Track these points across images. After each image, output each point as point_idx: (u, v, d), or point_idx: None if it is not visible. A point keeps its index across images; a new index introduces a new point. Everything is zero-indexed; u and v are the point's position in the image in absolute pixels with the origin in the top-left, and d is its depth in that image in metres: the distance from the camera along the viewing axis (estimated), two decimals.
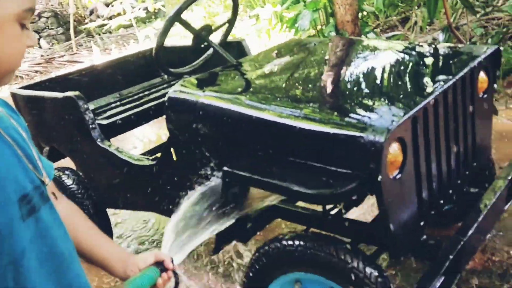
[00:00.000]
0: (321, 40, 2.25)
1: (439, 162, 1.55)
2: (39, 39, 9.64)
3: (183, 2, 1.96)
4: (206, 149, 1.65)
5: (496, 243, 2.13)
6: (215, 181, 1.59)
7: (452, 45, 1.86)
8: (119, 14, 7.73)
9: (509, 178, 1.74)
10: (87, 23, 9.67)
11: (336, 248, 1.42)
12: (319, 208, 1.78)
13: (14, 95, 2.47)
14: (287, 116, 1.42)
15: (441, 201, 1.61)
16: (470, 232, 1.49)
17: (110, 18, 8.84)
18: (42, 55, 8.73)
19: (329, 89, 1.65)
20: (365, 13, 5.26)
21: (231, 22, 2.28)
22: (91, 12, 10.85)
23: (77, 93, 2.15)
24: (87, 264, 1.03)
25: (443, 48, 1.87)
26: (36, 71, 7.86)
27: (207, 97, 1.65)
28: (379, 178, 1.26)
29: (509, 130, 3.25)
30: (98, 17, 10.20)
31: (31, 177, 0.81)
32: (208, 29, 2.16)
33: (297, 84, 1.69)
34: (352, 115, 1.42)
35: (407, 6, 5.06)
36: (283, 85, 1.68)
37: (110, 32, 9.36)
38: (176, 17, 1.97)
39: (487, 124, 1.87)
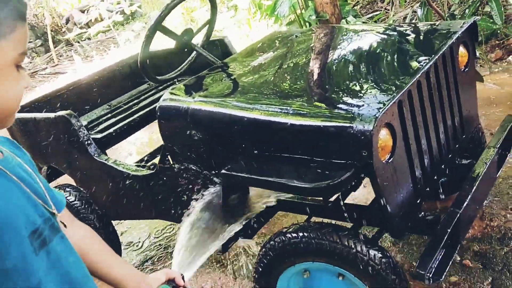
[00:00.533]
0: (301, 30, 2.28)
1: (428, 140, 1.60)
2: None
3: (162, 11, 1.98)
4: (202, 154, 1.68)
5: (493, 208, 2.20)
6: (213, 192, 1.63)
7: (429, 23, 1.90)
8: (96, 20, 7.68)
9: (498, 146, 1.79)
10: (64, 32, 9.60)
11: (339, 235, 1.47)
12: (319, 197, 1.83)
13: None
14: (277, 114, 1.46)
15: (435, 177, 1.67)
16: (465, 203, 1.54)
17: (87, 25, 8.78)
18: None
19: (315, 81, 1.69)
20: None
21: (211, 22, 2.30)
22: (67, 21, 10.73)
23: (68, 111, 2.17)
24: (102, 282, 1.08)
25: (420, 27, 1.91)
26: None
27: (197, 103, 1.68)
28: (372, 164, 1.31)
29: (497, 94, 3.31)
30: (75, 24, 10.10)
31: (40, 211, 0.84)
32: (189, 33, 2.19)
33: (283, 80, 1.72)
34: (340, 106, 1.46)
35: None
36: (270, 82, 1.71)
37: (89, 39, 9.29)
38: (157, 27, 1.99)
39: (471, 96, 1.92)
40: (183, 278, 1.15)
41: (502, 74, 3.57)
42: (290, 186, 1.38)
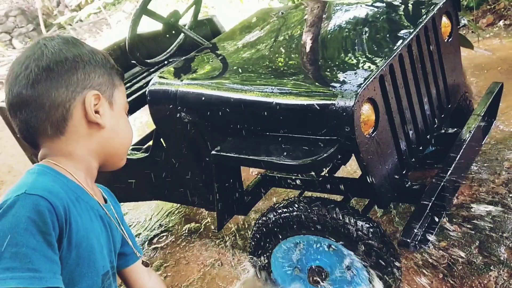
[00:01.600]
0: (287, 7, 2.29)
1: (412, 113, 1.64)
2: (11, 40, 9.51)
3: None
4: (192, 136, 1.73)
5: (481, 174, 2.25)
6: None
7: None
8: (86, 2, 7.61)
9: (483, 113, 1.83)
10: (56, 15, 9.51)
11: (327, 208, 1.53)
12: None
13: (1, 109, 2.51)
14: (262, 94, 1.50)
15: (420, 148, 1.71)
16: (449, 172, 1.59)
17: (78, 7, 8.70)
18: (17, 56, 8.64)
19: (299, 60, 1.71)
20: None
21: (198, 3, 2.31)
22: (58, 3, 10.63)
23: None
24: None
25: (403, 0, 1.92)
26: None
27: (184, 86, 1.71)
28: (355, 139, 1.35)
29: (487, 61, 3.32)
30: (66, 7, 10.00)
31: (111, 258, 0.98)
32: (176, 16, 2.19)
33: (268, 59, 1.74)
34: (323, 83, 1.49)
35: None
36: (255, 62, 1.74)
37: (81, 21, 9.22)
38: (143, 10, 2.00)
39: (456, 65, 1.94)
40: None
41: (493, 39, 3.57)
42: (278, 164, 1.42)
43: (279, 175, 1.95)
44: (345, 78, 1.45)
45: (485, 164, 2.32)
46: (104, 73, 0.96)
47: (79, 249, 0.85)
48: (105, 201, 1.02)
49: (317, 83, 1.51)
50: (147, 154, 2.02)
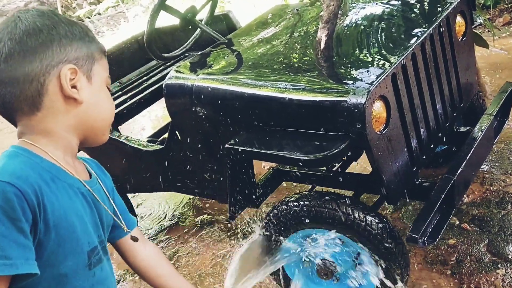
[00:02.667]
0: (302, 4, 2.31)
1: (424, 111, 1.66)
2: None
3: None
4: (206, 129, 1.77)
5: (493, 173, 2.26)
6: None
7: None
8: None
9: (495, 113, 1.84)
10: (74, 8, 9.62)
11: (337, 203, 1.56)
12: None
13: None
14: (277, 89, 1.53)
15: (431, 145, 1.73)
16: (460, 170, 1.60)
17: (97, 0, 8.80)
18: None
19: (312, 56, 1.74)
20: None
21: None
22: None
23: None
24: None
25: None
26: None
27: (200, 80, 1.75)
28: (366, 135, 1.38)
29: (503, 60, 3.30)
30: (85, 0, 10.11)
31: (99, 233, 0.96)
32: (193, 11, 2.23)
33: (282, 55, 1.77)
34: (336, 80, 1.52)
35: None
36: (270, 58, 1.77)
37: (99, 14, 9.32)
38: (161, 6, 2.04)
39: (470, 64, 1.95)
40: None
41: (509, 39, 3.55)
42: (289, 158, 1.46)
43: (291, 169, 1.99)
44: (358, 75, 1.47)
45: (497, 164, 2.32)
46: (82, 46, 0.91)
47: (59, 230, 0.84)
48: (90, 176, 1.00)
49: (330, 80, 1.54)
50: (162, 146, 2.06)
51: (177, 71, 1.88)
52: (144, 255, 1.14)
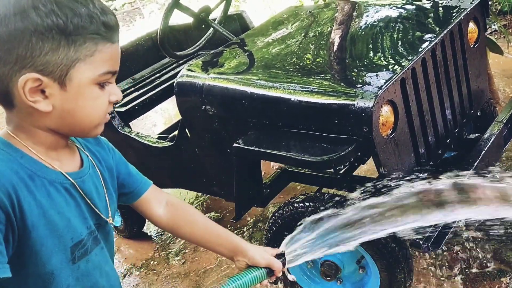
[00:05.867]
0: (316, 6, 2.32)
1: (433, 116, 1.66)
2: None
3: None
4: (215, 128, 1.79)
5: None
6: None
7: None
8: None
9: (505, 121, 1.83)
10: None
11: (343, 205, 1.57)
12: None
13: None
14: (286, 91, 1.55)
15: (439, 151, 1.73)
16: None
17: None
18: None
19: (322, 59, 1.75)
20: None
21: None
22: None
23: None
24: None
25: (432, 4, 1.93)
26: None
27: (211, 79, 1.77)
28: (373, 139, 1.38)
29: None
30: None
31: (88, 224, 0.91)
32: (206, 10, 2.26)
33: (293, 57, 1.79)
34: (345, 84, 1.53)
35: None
36: (280, 59, 1.78)
37: (116, 9, 9.41)
38: (175, 5, 2.07)
39: (481, 71, 1.94)
40: (284, 259, 1.10)
41: None
42: (295, 159, 1.47)
43: (298, 170, 2.00)
44: (367, 79, 1.48)
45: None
46: (57, 46, 0.77)
47: (38, 230, 0.81)
48: (82, 163, 0.94)
49: (339, 83, 1.54)
50: (171, 143, 2.09)
51: (188, 70, 1.90)
52: (161, 215, 1.11)
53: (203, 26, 2.29)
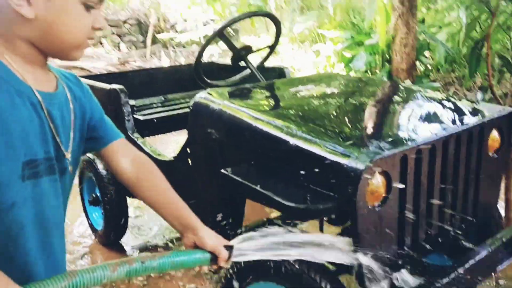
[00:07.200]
0: (354, 78, 2.35)
1: (429, 208, 1.58)
2: (119, 43, 10.39)
3: (227, 20, 2.15)
4: (213, 152, 1.78)
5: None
6: None
7: (470, 101, 1.90)
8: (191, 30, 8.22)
9: (504, 239, 1.72)
10: (163, 31, 10.30)
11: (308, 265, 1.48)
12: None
13: None
14: (284, 132, 1.54)
15: (427, 247, 1.63)
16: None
17: (182, 32, 9.41)
18: (119, 58, 9.39)
19: (337, 118, 1.74)
20: (428, 65, 5.29)
21: (272, 47, 2.44)
22: (172, 26, 11.54)
23: (121, 86, 2.37)
24: None
25: (462, 103, 1.91)
26: (109, 71, 8.47)
27: (223, 106, 1.79)
28: (355, 202, 1.33)
29: None
30: (176, 31, 10.83)
31: (47, 149, 0.91)
32: (248, 49, 2.33)
33: (305, 107, 1.80)
34: (343, 143, 1.50)
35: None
36: (291, 106, 1.81)
37: (184, 47, 9.91)
38: (219, 33, 2.15)
39: (495, 184, 1.86)
40: (231, 251, 1.08)
41: None
42: (272, 200, 1.43)
43: (280, 224, 1.93)
44: (369, 143, 1.45)
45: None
46: None
47: None
48: (57, 89, 0.94)
49: (342, 140, 1.52)
50: (172, 158, 2.09)
51: (208, 93, 1.93)
52: (125, 168, 1.10)
53: (240, 63, 2.36)
